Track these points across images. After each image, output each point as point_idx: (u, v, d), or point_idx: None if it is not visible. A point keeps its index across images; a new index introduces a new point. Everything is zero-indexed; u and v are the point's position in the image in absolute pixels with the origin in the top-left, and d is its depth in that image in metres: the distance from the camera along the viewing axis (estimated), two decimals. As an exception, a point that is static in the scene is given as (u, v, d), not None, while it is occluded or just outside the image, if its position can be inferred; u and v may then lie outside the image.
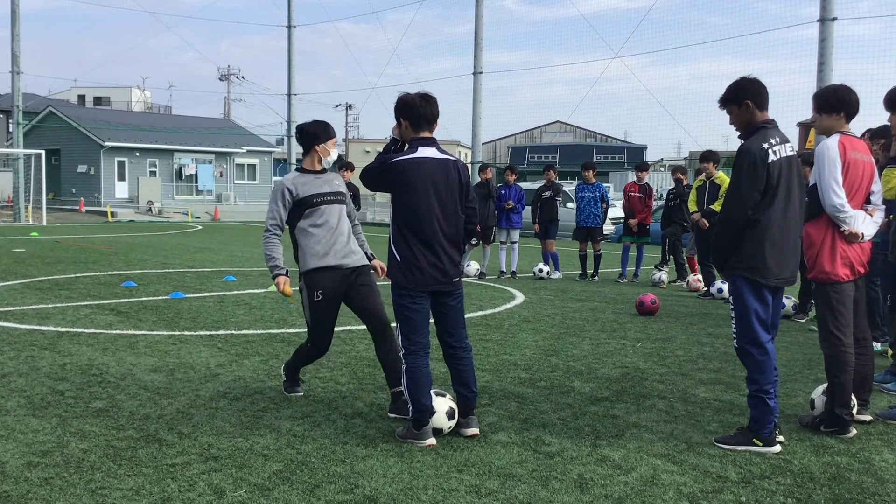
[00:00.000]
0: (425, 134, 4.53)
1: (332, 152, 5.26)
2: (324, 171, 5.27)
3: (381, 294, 5.21)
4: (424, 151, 4.46)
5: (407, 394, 4.51)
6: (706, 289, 11.04)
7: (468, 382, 4.65)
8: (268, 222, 5.20)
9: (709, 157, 10.94)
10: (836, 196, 4.62)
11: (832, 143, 4.69)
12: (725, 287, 10.05)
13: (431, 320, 4.61)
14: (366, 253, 5.32)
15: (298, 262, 5.20)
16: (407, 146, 4.54)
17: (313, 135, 5.21)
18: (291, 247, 5.27)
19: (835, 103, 4.74)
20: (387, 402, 5.23)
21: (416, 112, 4.47)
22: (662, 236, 12.82)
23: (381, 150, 4.73)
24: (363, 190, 13.82)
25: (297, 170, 5.33)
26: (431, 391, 4.65)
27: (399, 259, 4.45)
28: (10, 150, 31.41)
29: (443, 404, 4.57)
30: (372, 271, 5.28)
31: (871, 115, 6.98)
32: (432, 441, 4.44)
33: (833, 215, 4.67)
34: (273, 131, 59.57)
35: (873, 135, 6.45)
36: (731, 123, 4.57)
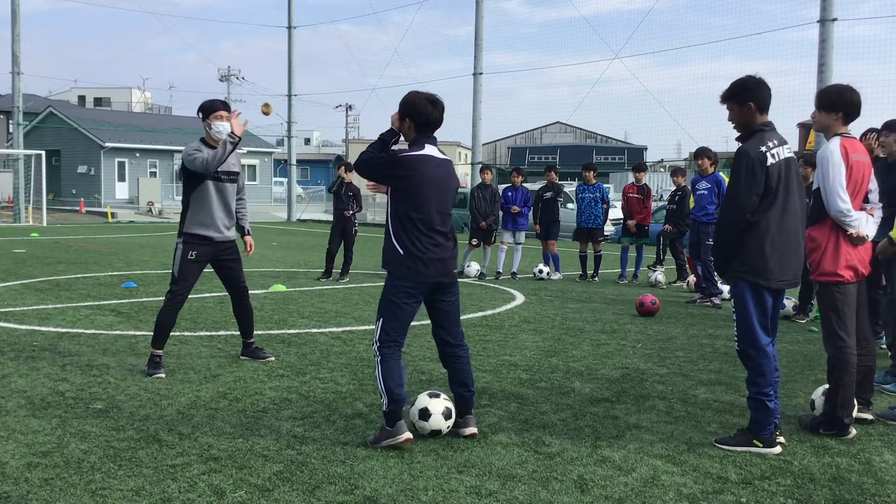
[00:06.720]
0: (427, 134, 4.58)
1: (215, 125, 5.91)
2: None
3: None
4: (430, 150, 4.52)
5: (381, 385, 4.40)
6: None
7: (466, 381, 4.66)
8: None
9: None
10: (842, 201, 4.61)
11: (834, 146, 4.67)
12: (725, 288, 10.06)
13: (428, 321, 4.61)
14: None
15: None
16: (413, 142, 4.59)
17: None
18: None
19: (834, 102, 4.73)
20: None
21: (425, 118, 4.51)
22: (657, 236, 12.82)
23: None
24: (364, 190, 13.83)
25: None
26: (426, 392, 4.66)
27: (402, 252, 4.44)
28: (10, 150, 31.38)
29: (438, 405, 4.56)
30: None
31: (872, 115, 6.97)
32: (409, 435, 4.35)
33: (839, 220, 4.66)
34: (273, 132, 59.59)
35: (886, 126, 6.36)
36: (729, 120, 4.57)
